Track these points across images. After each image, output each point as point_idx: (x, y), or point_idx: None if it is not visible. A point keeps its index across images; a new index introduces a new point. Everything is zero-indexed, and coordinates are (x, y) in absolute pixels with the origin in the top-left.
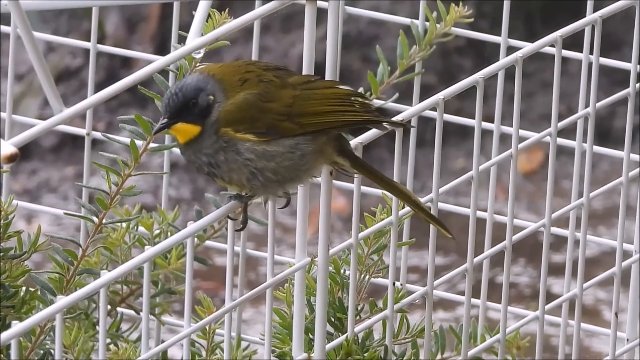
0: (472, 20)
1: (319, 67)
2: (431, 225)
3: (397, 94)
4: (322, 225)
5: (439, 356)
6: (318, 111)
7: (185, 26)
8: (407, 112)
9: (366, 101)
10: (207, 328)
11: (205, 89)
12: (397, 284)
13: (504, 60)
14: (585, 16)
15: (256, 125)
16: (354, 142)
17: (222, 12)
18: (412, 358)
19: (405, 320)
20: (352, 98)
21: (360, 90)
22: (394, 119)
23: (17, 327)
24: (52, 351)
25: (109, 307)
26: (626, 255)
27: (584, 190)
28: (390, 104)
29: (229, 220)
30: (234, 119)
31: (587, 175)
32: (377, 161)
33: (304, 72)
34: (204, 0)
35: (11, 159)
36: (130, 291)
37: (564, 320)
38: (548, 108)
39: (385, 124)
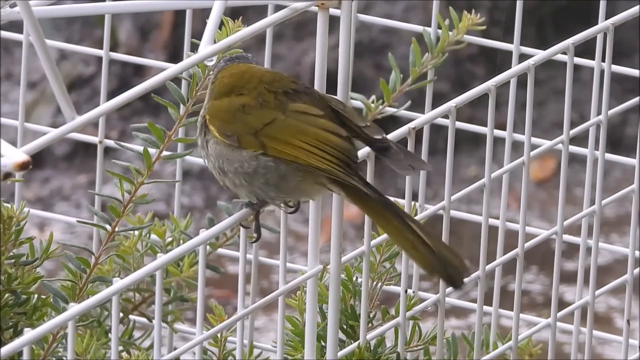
0: (484, 27)
1: (332, 75)
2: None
3: (409, 102)
4: (335, 232)
5: None
6: (285, 140)
7: (197, 34)
8: (419, 119)
9: (351, 160)
10: (219, 336)
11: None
12: (410, 291)
13: (516, 68)
14: (597, 24)
15: (225, 127)
16: (362, 153)
17: (235, 20)
18: None
19: (417, 327)
20: (332, 148)
21: (372, 98)
22: (407, 125)
23: (29, 334)
24: (64, 359)
25: (121, 314)
26: (638, 262)
27: (596, 197)
28: (403, 112)
29: (241, 228)
30: (213, 113)
31: (599, 183)
32: (388, 170)
33: (315, 80)
34: (216, 8)
35: (23, 166)
36: (142, 299)
37: (576, 327)
38: (560, 116)
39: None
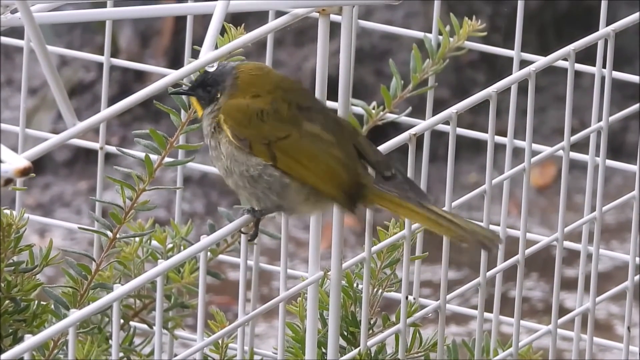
0: (485, 34)
1: (332, 81)
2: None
3: (410, 108)
4: (335, 239)
5: None
6: (297, 159)
7: (198, 40)
8: (419, 126)
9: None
10: (220, 342)
11: (220, 84)
12: (410, 298)
13: (517, 74)
14: (597, 30)
15: (239, 130)
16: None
17: (236, 26)
18: None
19: (418, 334)
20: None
21: (373, 104)
22: (407, 132)
23: (30, 340)
24: None
25: (122, 321)
26: (639, 269)
27: (596, 204)
28: (403, 118)
29: (242, 235)
30: (229, 113)
31: (599, 190)
32: None
33: (316, 86)
34: (217, 14)
35: (24, 172)
36: (143, 305)
37: (576, 334)
38: (561, 122)
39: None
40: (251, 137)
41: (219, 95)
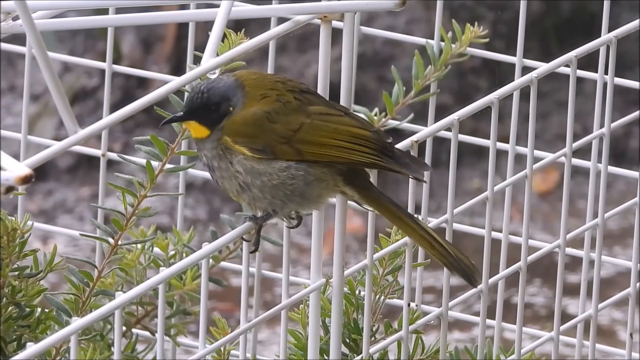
0: (487, 40)
1: (335, 87)
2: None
3: (412, 114)
4: (337, 246)
5: None
6: (322, 142)
7: (200, 46)
8: (422, 132)
9: (385, 149)
10: (222, 349)
11: (231, 99)
12: (412, 304)
13: (519, 81)
14: (600, 36)
15: (254, 141)
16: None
17: (238, 33)
18: None
19: (420, 341)
20: (364, 141)
21: (375, 111)
22: (410, 138)
23: (32, 348)
24: None
25: (124, 328)
26: None
27: (599, 210)
28: (405, 124)
29: (244, 242)
30: (237, 130)
31: (602, 196)
32: (392, 182)
33: (318, 92)
34: (219, 21)
35: (26, 180)
36: (145, 312)
37: (579, 340)
38: (563, 128)
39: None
40: (269, 142)
41: (231, 109)
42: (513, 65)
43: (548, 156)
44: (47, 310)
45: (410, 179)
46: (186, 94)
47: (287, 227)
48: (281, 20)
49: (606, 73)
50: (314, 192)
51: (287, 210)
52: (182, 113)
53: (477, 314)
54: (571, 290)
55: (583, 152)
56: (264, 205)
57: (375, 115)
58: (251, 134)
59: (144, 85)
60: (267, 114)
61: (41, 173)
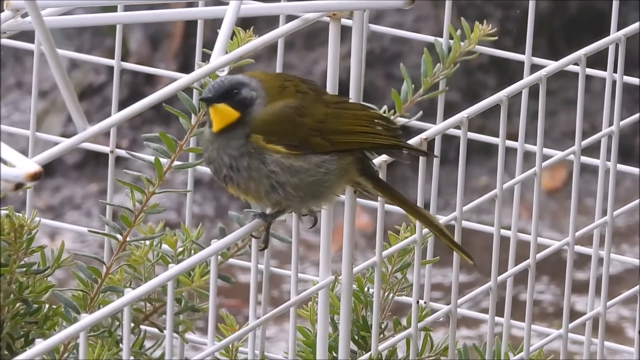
0: (496, 38)
1: (343, 85)
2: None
3: (420, 112)
4: (346, 242)
5: None
6: (350, 130)
7: (209, 44)
8: (430, 130)
9: (392, 126)
10: (231, 346)
11: (249, 84)
12: (421, 302)
13: (528, 79)
14: (608, 35)
15: (290, 137)
16: (378, 160)
17: (247, 30)
18: None
19: (429, 338)
20: (379, 121)
21: (384, 109)
22: (418, 136)
23: (40, 345)
24: None
25: (132, 324)
26: None
27: (607, 208)
28: (414, 122)
29: (253, 238)
30: (269, 129)
31: (610, 193)
32: (400, 179)
33: (327, 89)
34: (228, 18)
35: (35, 177)
36: (153, 309)
37: (587, 338)
38: (572, 126)
39: (408, 151)
40: (305, 137)
41: (254, 95)
42: (521, 63)
43: (557, 154)
44: (54, 307)
45: (419, 174)
46: (195, 92)
47: (296, 222)
48: (290, 17)
49: (615, 71)
50: (341, 184)
51: (305, 207)
52: (211, 96)
53: (485, 311)
54: (579, 288)
55: (591, 150)
56: (293, 204)
57: (384, 112)
58: (284, 131)
59: (152, 82)
60: (295, 109)
61: (49, 169)
